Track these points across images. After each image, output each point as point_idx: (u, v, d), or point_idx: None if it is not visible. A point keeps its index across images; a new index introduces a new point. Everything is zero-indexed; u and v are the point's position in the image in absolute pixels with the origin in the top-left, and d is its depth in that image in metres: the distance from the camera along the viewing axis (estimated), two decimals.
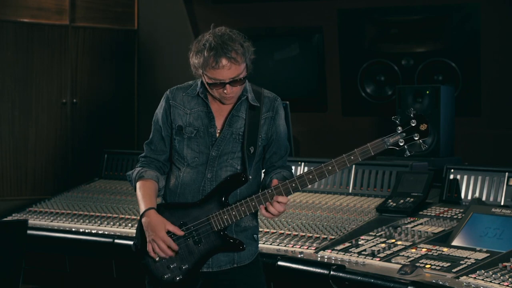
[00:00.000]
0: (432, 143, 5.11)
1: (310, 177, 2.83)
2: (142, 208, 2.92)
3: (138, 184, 2.98)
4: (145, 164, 3.02)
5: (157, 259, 2.91)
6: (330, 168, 2.82)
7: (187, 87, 3.00)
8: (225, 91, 2.84)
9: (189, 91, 2.98)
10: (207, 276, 2.95)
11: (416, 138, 2.79)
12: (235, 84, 2.83)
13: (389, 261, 3.58)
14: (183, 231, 2.88)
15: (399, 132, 2.80)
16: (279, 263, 3.77)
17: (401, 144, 2.80)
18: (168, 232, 2.88)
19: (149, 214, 2.90)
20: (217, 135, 2.94)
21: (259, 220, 3.08)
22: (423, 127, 2.79)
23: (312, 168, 2.84)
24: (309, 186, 4.64)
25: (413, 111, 2.81)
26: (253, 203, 2.86)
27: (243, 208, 2.86)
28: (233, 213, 2.87)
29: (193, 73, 2.91)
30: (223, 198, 2.89)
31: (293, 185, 2.84)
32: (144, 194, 2.95)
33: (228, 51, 2.77)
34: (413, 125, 2.79)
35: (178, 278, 2.89)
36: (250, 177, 2.91)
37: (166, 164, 3.03)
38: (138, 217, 4.66)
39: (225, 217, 2.87)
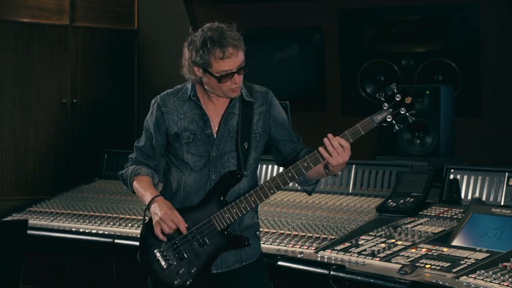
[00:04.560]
0: (432, 143, 5.11)
1: (305, 164, 2.83)
2: (148, 197, 2.91)
3: (135, 181, 2.97)
4: (136, 164, 3.02)
5: (162, 262, 2.90)
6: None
7: (177, 91, 2.99)
8: (235, 81, 2.84)
9: (180, 95, 2.96)
10: (216, 278, 2.96)
11: (403, 112, 2.82)
12: (241, 72, 2.85)
13: (389, 261, 3.58)
14: (186, 231, 2.89)
15: (385, 108, 2.81)
16: (279, 263, 3.77)
17: (389, 120, 2.82)
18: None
19: (157, 199, 2.89)
20: (215, 135, 2.94)
21: (259, 220, 3.08)
22: (408, 100, 2.81)
23: (306, 156, 2.84)
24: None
25: (395, 86, 2.82)
26: (253, 198, 2.87)
27: (243, 205, 2.87)
28: (234, 210, 2.87)
29: (186, 77, 2.91)
30: (222, 197, 2.89)
31: (289, 174, 2.85)
32: (145, 186, 2.95)
33: (230, 39, 2.80)
34: (398, 99, 2.81)
35: (188, 283, 2.89)
36: (245, 172, 2.92)
37: (155, 169, 3.02)
38: (139, 217, 4.71)
39: (227, 215, 2.88)
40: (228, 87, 2.86)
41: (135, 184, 2.98)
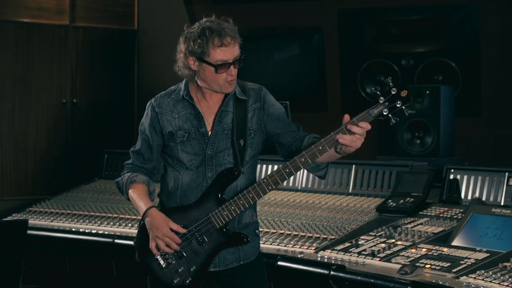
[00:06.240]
0: (432, 143, 5.11)
1: (303, 160, 2.83)
2: (143, 208, 2.92)
3: (130, 189, 2.97)
4: (133, 170, 3.02)
5: (160, 261, 2.90)
6: (320, 148, 2.82)
7: (170, 92, 3.00)
8: (231, 73, 2.85)
9: (174, 96, 2.98)
10: (214, 276, 2.96)
11: (399, 105, 2.80)
12: (237, 64, 2.86)
13: (389, 261, 3.58)
14: (185, 230, 2.89)
15: (381, 102, 2.81)
16: (279, 263, 3.77)
17: (385, 113, 2.81)
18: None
19: (151, 213, 2.90)
20: (209, 133, 2.94)
21: (258, 219, 3.09)
22: (404, 93, 2.80)
23: (303, 152, 2.84)
24: (309, 186, 4.62)
25: (391, 79, 2.82)
26: (251, 195, 2.87)
27: (241, 202, 2.87)
28: (232, 208, 2.88)
29: (180, 73, 2.91)
30: (220, 195, 2.90)
31: (287, 170, 2.84)
32: (140, 195, 2.95)
33: (228, 30, 2.84)
34: (394, 93, 2.80)
35: (187, 281, 2.90)
36: (243, 169, 2.92)
37: (153, 172, 3.03)
38: (139, 217, 4.70)
39: (225, 213, 2.88)
40: (224, 79, 2.86)
41: (130, 192, 2.98)
